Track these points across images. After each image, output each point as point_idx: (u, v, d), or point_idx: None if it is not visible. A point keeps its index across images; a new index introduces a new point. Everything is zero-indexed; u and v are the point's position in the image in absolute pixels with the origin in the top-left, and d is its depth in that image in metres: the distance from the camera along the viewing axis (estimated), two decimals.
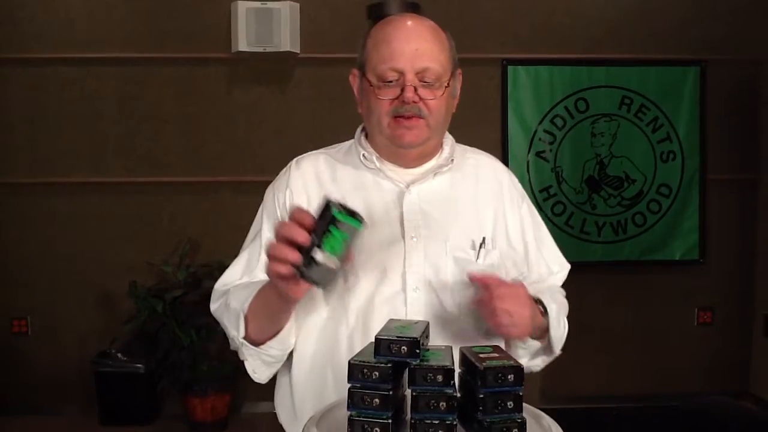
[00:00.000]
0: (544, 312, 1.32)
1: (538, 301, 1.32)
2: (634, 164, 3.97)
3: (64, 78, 3.80)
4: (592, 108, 3.95)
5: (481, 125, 3.88)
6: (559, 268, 1.49)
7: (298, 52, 3.76)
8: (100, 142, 3.84)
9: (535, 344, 1.35)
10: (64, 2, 3.78)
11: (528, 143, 3.93)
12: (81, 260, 3.84)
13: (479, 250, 1.34)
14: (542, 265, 1.46)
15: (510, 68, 3.90)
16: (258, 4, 3.68)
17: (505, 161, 3.87)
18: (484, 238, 1.35)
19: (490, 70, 3.91)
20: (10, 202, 3.82)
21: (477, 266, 1.32)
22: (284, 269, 1.06)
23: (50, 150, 3.82)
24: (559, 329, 1.34)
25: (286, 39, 3.68)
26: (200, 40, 3.81)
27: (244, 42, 3.68)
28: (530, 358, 1.38)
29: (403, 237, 1.31)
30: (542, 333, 1.34)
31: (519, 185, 1.49)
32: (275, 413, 1.44)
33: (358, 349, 1.28)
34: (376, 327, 1.23)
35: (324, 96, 3.67)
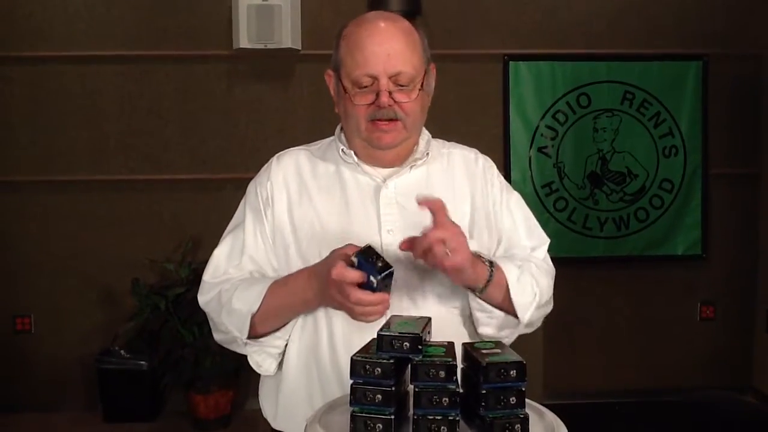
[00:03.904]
0: (491, 266, 1.29)
1: (485, 260, 1.30)
2: (636, 159, 3.96)
3: (64, 76, 3.79)
4: (594, 103, 3.94)
5: (482, 121, 3.88)
6: (539, 243, 1.47)
7: (300, 48, 3.76)
8: (101, 139, 3.84)
9: (498, 313, 1.34)
10: (62, 0, 3.78)
11: (530, 139, 3.93)
12: (83, 258, 3.84)
13: None
14: (521, 246, 1.45)
15: (511, 64, 3.89)
16: (259, 1, 3.66)
17: (507, 157, 3.87)
18: None
19: (491, 65, 3.90)
20: (12, 200, 3.83)
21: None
22: (372, 318, 1.22)
23: (51, 148, 3.82)
24: (524, 295, 1.33)
25: (287, 36, 3.68)
26: (201, 37, 3.81)
27: (245, 39, 3.68)
28: (496, 330, 1.37)
29: (380, 231, 1.34)
30: (503, 298, 1.32)
31: (495, 171, 1.49)
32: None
33: (338, 343, 1.32)
34: (355, 321, 1.27)
35: (325, 93, 3.59)
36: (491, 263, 1.30)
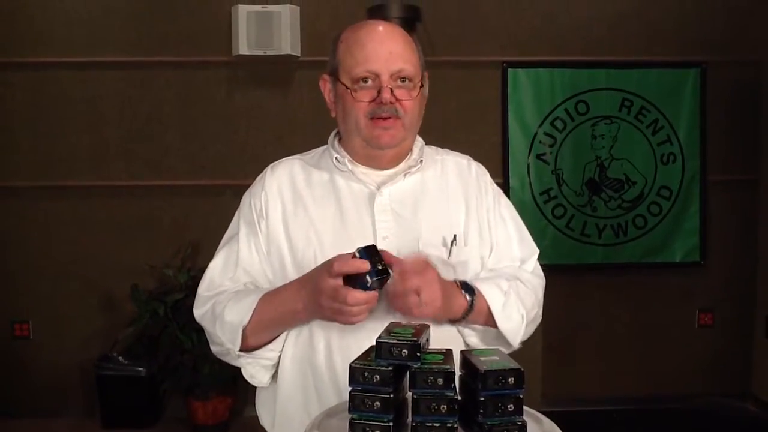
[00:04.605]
0: (472, 296, 1.30)
1: (465, 286, 1.31)
2: (634, 166, 3.97)
3: (64, 81, 3.80)
4: (592, 110, 3.95)
5: (481, 128, 3.89)
6: (530, 254, 1.47)
7: (299, 55, 3.77)
8: (102, 145, 3.85)
9: (481, 329, 1.36)
10: (63, 6, 3.79)
11: (528, 146, 3.93)
12: (82, 264, 3.84)
13: (450, 248, 1.37)
14: (512, 256, 1.46)
15: (510, 71, 3.91)
16: (258, 8, 3.69)
17: (506, 164, 3.88)
18: (455, 236, 1.38)
19: (490, 72, 3.91)
20: (12, 206, 3.83)
21: (449, 263, 1.35)
22: (361, 318, 1.20)
23: (52, 153, 3.82)
24: (509, 322, 1.34)
25: (286, 42, 3.69)
26: (201, 44, 3.82)
27: (244, 45, 3.69)
28: (482, 341, 1.39)
29: (375, 238, 1.34)
30: (486, 321, 1.34)
31: (488, 178, 1.50)
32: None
33: (335, 352, 1.31)
34: (351, 329, 1.27)
35: (324, 99, 3.66)
36: (473, 293, 1.30)
